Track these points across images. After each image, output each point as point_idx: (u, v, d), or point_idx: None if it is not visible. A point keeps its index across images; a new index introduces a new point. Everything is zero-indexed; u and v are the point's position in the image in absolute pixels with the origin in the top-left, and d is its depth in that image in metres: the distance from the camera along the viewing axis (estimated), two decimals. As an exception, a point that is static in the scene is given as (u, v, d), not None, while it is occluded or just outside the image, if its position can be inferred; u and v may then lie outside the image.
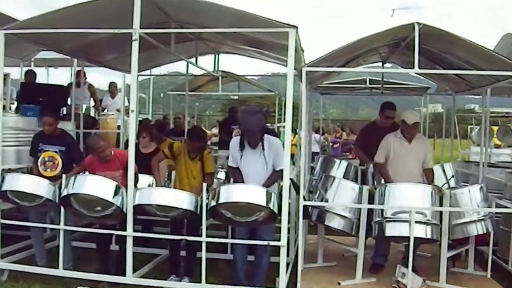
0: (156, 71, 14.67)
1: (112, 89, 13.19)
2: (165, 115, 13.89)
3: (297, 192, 6.64)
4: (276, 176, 6.21)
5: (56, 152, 7.00)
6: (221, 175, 8.35)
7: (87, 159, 6.98)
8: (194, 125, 12.27)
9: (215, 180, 7.54)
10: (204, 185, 5.99)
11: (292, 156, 9.09)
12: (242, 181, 6.25)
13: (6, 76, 9.77)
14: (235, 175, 6.43)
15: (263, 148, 6.25)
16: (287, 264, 6.20)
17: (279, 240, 5.88)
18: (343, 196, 6.54)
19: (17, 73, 12.35)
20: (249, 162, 6.30)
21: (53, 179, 6.65)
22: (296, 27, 5.76)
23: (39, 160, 7.00)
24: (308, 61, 6.66)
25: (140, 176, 6.82)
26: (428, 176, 6.92)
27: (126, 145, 7.80)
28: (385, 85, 10.68)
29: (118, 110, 12.35)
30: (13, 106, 10.75)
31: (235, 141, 6.46)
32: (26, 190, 6.39)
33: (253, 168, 6.27)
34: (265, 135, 6.32)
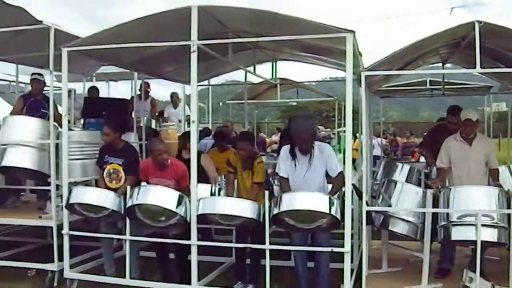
0: (214, 80, 14.83)
1: (174, 99, 13.42)
2: (224, 124, 13.98)
3: (360, 197, 6.58)
4: (338, 181, 6.16)
5: (120, 164, 7.15)
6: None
7: (142, 162, 7.13)
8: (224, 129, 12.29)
9: (276, 188, 7.56)
10: (266, 193, 6.01)
11: (353, 161, 9.03)
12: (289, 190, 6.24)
13: (70, 91, 10.08)
14: (283, 185, 6.42)
15: (313, 155, 6.23)
16: (351, 271, 6.14)
17: (341, 246, 5.84)
18: (406, 200, 6.43)
19: (80, 88, 12.74)
20: (301, 169, 6.29)
21: (118, 191, 6.83)
22: (354, 32, 5.73)
23: (105, 172, 7.18)
24: (366, 65, 6.61)
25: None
26: (493, 177, 6.74)
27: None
28: (446, 86, 10.49)
29: (180, 121, 12.54)
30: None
31: (285, 149, 6.46)
32: (92, 202, 6.57)
33: (300, 178, 6.26)
34: (316, 142, 6.32)
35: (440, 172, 7.02)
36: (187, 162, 6.43)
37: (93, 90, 11.73)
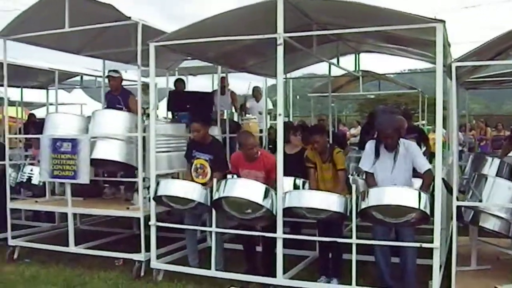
0: (292, 74, 14.80)
1: (256, 93, 13.50)
2: (320, 118, 13.89)
3: (449, 192, 6.40)
4: (428, 178, 6.00)
5: (206, 160, 7.23)
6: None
7: (233, 155, 7.20)
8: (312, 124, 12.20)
9: (360, 181, 7.46)
10: (354, 186, 5.94)
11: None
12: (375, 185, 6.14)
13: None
14: (369, 179, 6.34)
15: (398, 152, 6.11)
16: (439, 267, 6.00)
17: (428, 242, 5.72)
18: (498, 195, 6.18)
19: (163, 82, 12.99)
20: (383, 166, 6.19)
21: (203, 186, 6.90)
22: (444, 22, 5.56)
23: (192, 167, 7.29)
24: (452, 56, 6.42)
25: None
26: None
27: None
28: (538, 76, 10.05)
29: (260, 113, 12.60)
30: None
31: (370, 144, 6.35)
32: (179, 194, 6.68)
33: (387, 174, 6.15)
34: (402, 140, 6.19)
35: None
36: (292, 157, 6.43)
37: (179, 82, 11.91)
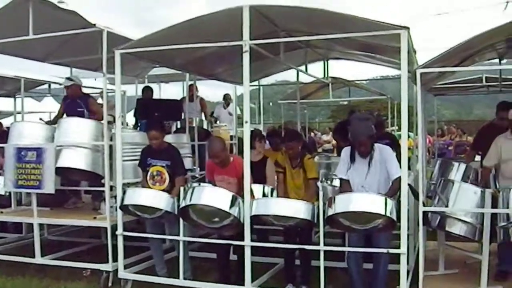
0: (264, 81, 14.84)
1: (227, 100, 13.51)
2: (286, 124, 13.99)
3: (416, 197, 6.43)
4: (396, 185, 5.98)
5: (163, 166, 7.15)
6: (336, 182, 8.23)
7: (208, 161, 7.14)
8: (288, 128, 12.23)
9: (329, 188, 7.47)
10: (321, 193, 5.93)
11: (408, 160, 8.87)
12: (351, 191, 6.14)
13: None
14: (343, 186, 6.32)
15: (373, 158, 6.13)
16: (407, 272, 6.01)
17: (397, 247, 5.73)
18: (464, 200, 6.22)
19: (132, 90, 12.91)
20: (358, 172, 6.19)
21: (172, 192, 6.84)
22: (408, 28, 5.59)
23: (148, 175, 7.19)
24: (420, 62, 6.47)
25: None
26: None
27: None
28: (503, 82, 10.19)
29: (230, 114, 12.64)
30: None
31: (345, 151, 6.35)
32: (146, 203, 6.61)
33: (361, 179, 6.15)
34: (377, 145, 6.20)
35: (484, 171, 6.84)
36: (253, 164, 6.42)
37: (147, 90, 11.85)
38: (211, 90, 13.70)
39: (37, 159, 7.49)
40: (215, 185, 6.86)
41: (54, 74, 12.97)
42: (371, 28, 5.83)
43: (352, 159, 6.21)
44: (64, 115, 8.60)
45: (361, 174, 6.16)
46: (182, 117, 10.40)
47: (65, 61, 9.79)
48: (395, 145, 7.67)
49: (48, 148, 7.50)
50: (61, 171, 7.70)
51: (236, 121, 12.57)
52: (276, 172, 7.05)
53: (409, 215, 6.07)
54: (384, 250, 5.89)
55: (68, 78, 8.73)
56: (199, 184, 7.06)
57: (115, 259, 7.06)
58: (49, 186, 7.46)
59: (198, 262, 7.54)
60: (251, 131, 7.41)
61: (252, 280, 6.29)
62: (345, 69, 16.05)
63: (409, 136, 12.50)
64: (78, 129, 7.72)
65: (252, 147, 7.45)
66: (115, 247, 7.03)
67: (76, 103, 8.52)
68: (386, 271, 6.11)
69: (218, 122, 12.97)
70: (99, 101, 9.10)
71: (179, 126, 10.59)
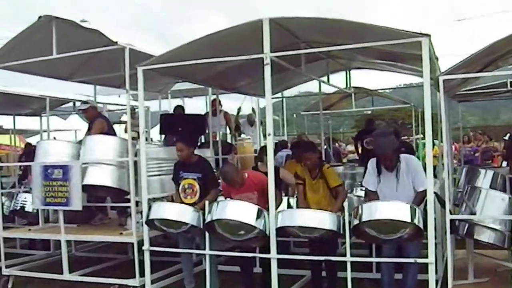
0: (287, 92, 14.86)
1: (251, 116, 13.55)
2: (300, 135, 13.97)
3: (442, 206, 6.36)
4: (420, 197, 5.96)
5: (194, 179, 7.19)
6: (361, 192, 8.19)
7: (222, 185, 7.14)
8: (301, 140, 12.18)
9: (355, 198, 7.43)
10: (346, 203, 5.88)
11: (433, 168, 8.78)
12: None
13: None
14: (371, 198, 6.27)
15: (399, 169, 6.09)
16: (436, 282, 5.94)
17: (426, 256, 5.66)
18: (492, 207, 6.14)
19: (155, 106, 13.01)
20: (388, 185, 6.15)
21: (193, 206, 6.85)
22: (429, 36, 5.56)
23: (180, 188, 7.25)
24: (443, 69, 6.42)
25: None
26: None
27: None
28: (529, 87, 10.04)
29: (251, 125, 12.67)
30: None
31: (372, 163, 6.32)
32: (172, 217, 6.62)
33: (392, 191, 6.10)
34: (402, 155, 6.15)
35: None
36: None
37: (178, 109, 11.88)
38: (234, 103, 13.70)
39: (63, 177, 7.58)
40: None
41: (78, 92, 13.14)
42: (392, 37, 5.81)
43: (379, 171, 6.18)
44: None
45: (391, 186, 6.13)
46: (207, 132, 10.44)
47: (89, 79, 9.90)
48: (410, 154, 7.63)
49: (74, 165, 7.60)
50: (87, 188, 7.80)
51: (259, 134, 12.57)
52: (296, 184, 7.02)
53: (436, 224, 6.01)
54: (412, 260, 5.83)
55: (83, 102, 8.95)
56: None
57: (142, 274, 7.08)
58: (77, 203, 7.55)
59: (226, 276, 7.51)
60: (262, 146, 7.42)
61: (279, 293, 6.26)
62: (368, 78, 16.01)
63: (434, 144, 12.46)
64: (102, 146, 7.83)
65: (260, 159, 7.48)
66: (141, 262, 7.05)
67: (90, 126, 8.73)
68: (415, 281, 6.07)
69: (243, 134, 12.98)
70: (123, 117, 9.20)
71: (203, 140, 10.63)
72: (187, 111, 13.17)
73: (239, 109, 13.44)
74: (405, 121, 21.70)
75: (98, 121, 8.58)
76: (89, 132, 8.69)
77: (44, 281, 8.01)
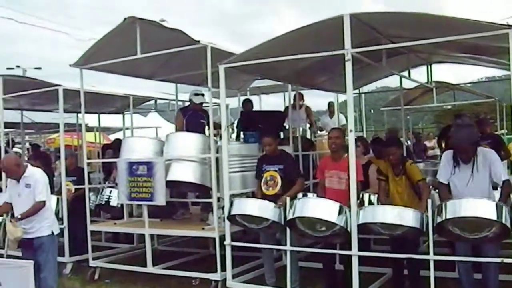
0: (365, 88, 14.69)
1: (331, 109, 13.47)
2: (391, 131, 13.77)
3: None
4: (505, 189, 5.75)
5: (276, 170, 7.27)
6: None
7: (322, 159, 7.25)
8: (393, 133, 11.98)
9: (437, 195, 7.27)
10: (429, 201, 5.77)
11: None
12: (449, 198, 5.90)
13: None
14: (442, 191, 6.13)
15: (476, 163, 5.85)
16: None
17: (510, 256, 5.49)
18: None
19: (235, 103, 13.15)
20: (461, 177, 5.94)
21: (274, 197, 6.93)
22: (516, 27, 5.39)
23: (262, 180, 7.34)
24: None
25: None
26: None
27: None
28: None
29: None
30: (233, 135, 11.33)
31: (447, 155, 6.15)
32: (253, 213, 6.70)
33: (463, 184, 5.90)
34: (479, 148, 5.95)
35: None
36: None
37: (247, 103, 12.03)
38: (311, 100, 13.65)
39: (148, 173, 7.79)
40: (324, 184, 6.93)
41: (158, 90, 13.42)
42: (478, 29, 5.64)
43: (456, 163, 6.01)
44: (184, 126, 8.83)
45: (464, 179, 5.91)
46: (286, 128, 10.45)
47: (170, 78, 10.12)
48: (497, 145, 7.38)
49: (158, 162, 7.79)
50: (170, 184, 7.98)
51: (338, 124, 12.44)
52: (378, 179, 6.93)
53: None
54: (498, 260, 5.66)
55: (196, 94, 8.96)
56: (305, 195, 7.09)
57: (223, 269, 7.20)
58: (161, 198, 7.74)
59: (305, 272, 7.53)
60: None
61: (360, 290, 6.23)
62: (448, 72, 15.61)
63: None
64: (185, 142, 7.98)
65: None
66: (223, 257, 7.17)
67: (199, 115, 8.84)
68: (497, 282, 5.89)
69: (322, 131, 12.92)
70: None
71: (282, 136, 10.66)
72: (264, 108, 13.26)
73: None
74: (488, 115, 20.94)
75: None
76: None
77: (129, 273, 8.27)
